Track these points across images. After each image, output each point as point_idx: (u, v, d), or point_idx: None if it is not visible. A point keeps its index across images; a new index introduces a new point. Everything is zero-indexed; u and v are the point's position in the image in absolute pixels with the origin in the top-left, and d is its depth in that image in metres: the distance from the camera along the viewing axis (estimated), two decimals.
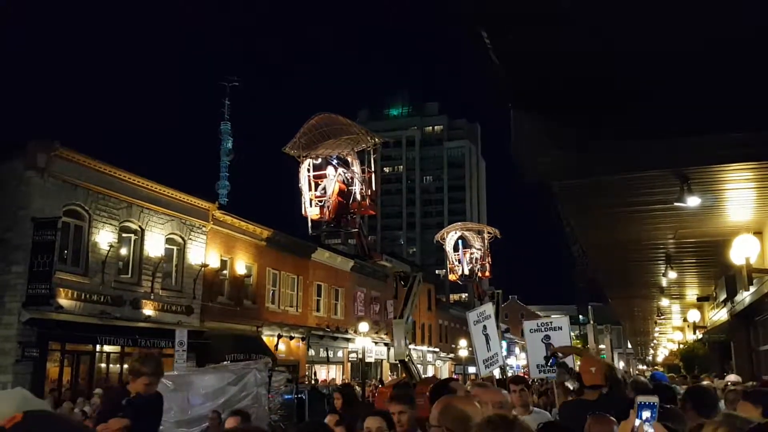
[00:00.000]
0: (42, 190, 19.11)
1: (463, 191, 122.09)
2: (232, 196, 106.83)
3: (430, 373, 43.61)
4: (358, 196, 18.16)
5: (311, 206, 17.93)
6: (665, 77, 5.34)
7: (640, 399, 1.66)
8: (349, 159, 18.49)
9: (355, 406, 6.84)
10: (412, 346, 43.63)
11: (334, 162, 18.46)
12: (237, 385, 10.91)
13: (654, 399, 1.66)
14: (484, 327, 11.20)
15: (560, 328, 9.52)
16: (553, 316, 9.86)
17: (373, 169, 19.12)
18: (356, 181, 18.21)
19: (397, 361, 20.69)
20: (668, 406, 3.56)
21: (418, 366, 42.17)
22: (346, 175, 18.34)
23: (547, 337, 9.42)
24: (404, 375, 19.22)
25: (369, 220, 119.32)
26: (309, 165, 18.34)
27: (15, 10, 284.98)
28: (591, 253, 13.36)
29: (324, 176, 18.47)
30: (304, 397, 15.60)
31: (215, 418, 9.87)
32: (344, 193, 18.19)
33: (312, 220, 18.09)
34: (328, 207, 17.74)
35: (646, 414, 1.62)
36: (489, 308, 12.09)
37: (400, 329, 18.70)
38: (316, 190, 18.34)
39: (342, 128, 18.12)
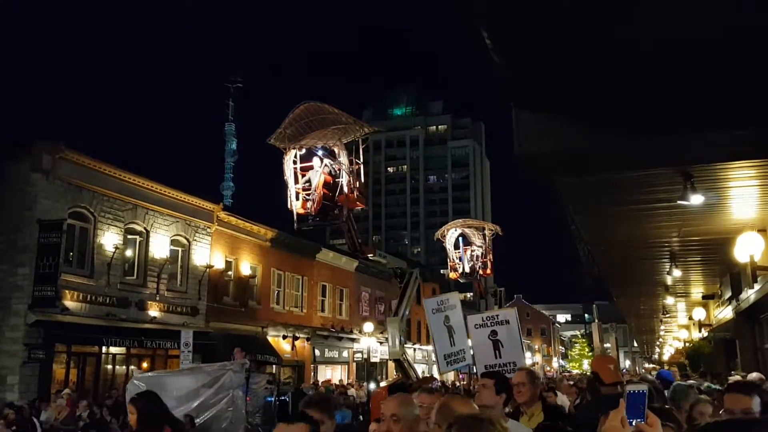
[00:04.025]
0: (47, 192, 19.19)
1: (467, 190, 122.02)
2: (236, 197, 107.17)
3: (435, 373, 43.52)
4: (345, 189, 17.33)
5: (297, 199, 17.18)
6: (668, 74, 5.34)
7: (630, 388, 1.64)
8: (336, 150, 17.67)
9: (153, 422, 5.49)
10: (417, 346, 43.71)
11: (320, 153, 17.63)
12: (212, 387, 10.56)
13: (644, 387, 1.64)
14: (446, 318, 10.27)
15: (507, 322, 8.45)
16: (499, 309, 8.80)
17: (362, 161, 18.36)
18: (343, 173, 17.42)
19: (393, 361, 20.09)
20: (657, 405, 3.55)
21: (421, 366, 42.20)
22: (333, 166, 17.55)
23: (494, 332, 8.40)
24: (400, 375, 18.78)
25: (374, 219, 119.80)
26: (295, 156, 17.57)
27: (16, 9, 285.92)
28: (595, 252, 13.34)
29: (311, 168, 17.66)
30: (287, 399, 14.62)
31: (187, 422, 9.71)
32: (330, 186, 17.42)
33: (298, 214, 17.34)
34: (313, 200, 17.00)
35: (636, 405, 1.61)
36: (454, 297, 11.00)
37: (394, 327, 18.10)
38: (302, 182, 17.54)
39: (330, 118, 17.25)
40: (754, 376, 8.95)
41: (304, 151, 17.71)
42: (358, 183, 17.93)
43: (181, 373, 11.84)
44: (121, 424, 15.11)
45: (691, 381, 8.05)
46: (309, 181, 17.37)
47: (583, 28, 4.81)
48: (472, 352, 9.64)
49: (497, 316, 8.66)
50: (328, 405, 3.38)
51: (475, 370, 9.09)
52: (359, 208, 19.52)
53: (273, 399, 14.28)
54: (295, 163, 17.53)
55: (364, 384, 29.91)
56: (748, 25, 4.65)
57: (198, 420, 9.91)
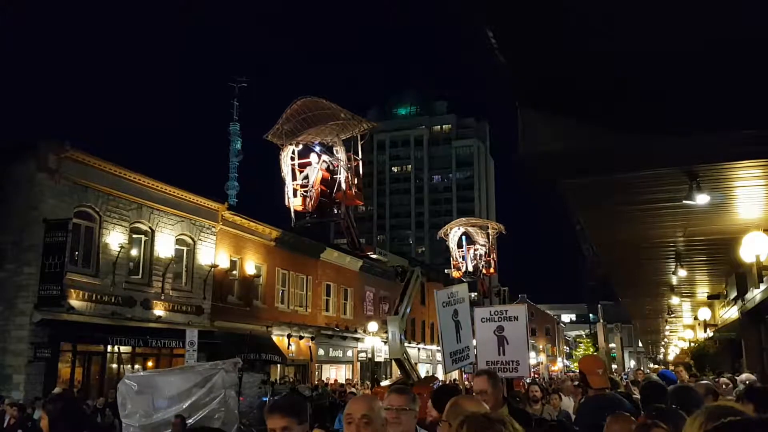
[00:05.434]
0: (53, 192, 19.25)
1: (471, 190, 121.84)
2: (241, 197, 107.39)
3: (439, 373, 43.53)
4: (343, 186, 17.05)
5: (294, 196, 16.91)
6: (673, 74, 5.33)
7: None
8: (334, 146, 17.42)
9: (65, 428, 4.75)
10: (421, 345, 43.69)
11: (317, 149, 17.34)
12: (204, 387, 10.40)
13: None
14: (455, 312, 9.37)
15: (516, 319, 8.02)
16: (508, 305, 8.35)
17: (360, 157, 18.00)
18: (341, 170, 17.13)
19: (393, 360, 19.83)
20: (662, 405, 3.54)
21: (425, 366, 42.18)
22: (331, 162, 17.30)
23: (501, 328, 7.99)
24: (402, 375, 18.60)
25: (378, 219, 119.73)
26: (292, 153, 17.31)
27: (17, 9, 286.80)
28: (601, 252, 13.34)
29: (308, 164, 17.41)
30: None
31: (179, 423, 9.64)
32: (328, 182, 17.13)
33: (295, 211, 17.10)
34: (310, 197, 16.79)
35: None
36: (464, 290, 10.69)
37: (395, 326, 17.83)
38: (301, 178, 17.30)
39: (328, 113, 16.96)
40: (743, 377, 8.92)
41: (301, 147, 17.52)
42: (356, 180, 17.64)
43: (173, 373, 11.69)
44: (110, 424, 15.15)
45: (705, 381, 7.95)
46: (307, 177, 17.20)
47: (584, 28, 4.80)
48: (476, 351, 9.31)
49: (506, 311, 8.23)
50: (294, 409, 2.99)
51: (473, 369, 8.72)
52: (358, 205, 19.32)
53: (268, 399, 14.17)
54: (292, 159, 17.32)
55: (367, 383, 29.89)
56: (752, 26, 4.64)
57: (190, 420, 9.85)
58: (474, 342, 9.34)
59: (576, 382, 12.31)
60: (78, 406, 5.57)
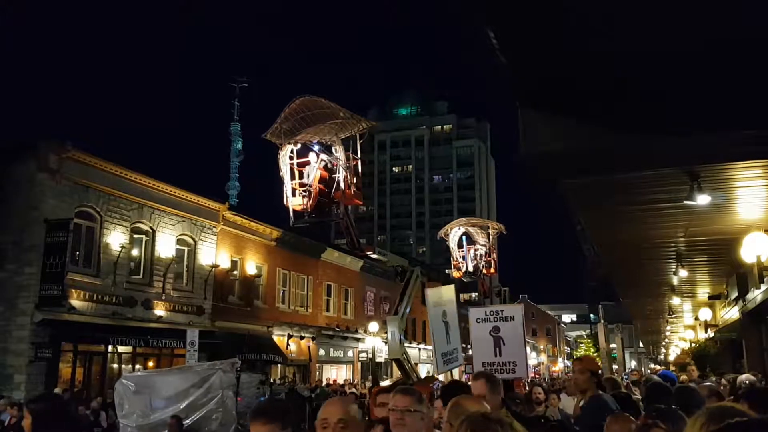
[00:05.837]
0: (54, 192, 19.26)
1: (472, 190, 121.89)
2: (242, 197, 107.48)
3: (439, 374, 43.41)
4: (342, 185, 17.05)
5: (293, 196, 16.90)
6: (673, 74, 5.33)
7: None
8: (333, 145, 17.41)
9: (49, 428, 4.65)
10: (422, 346, 43.67)
11: (316, 148, 17.35)
12: (201, 388, 10.34)
13: None
14: (444, 313, 9.64)
15: (512, 319, 7.87)
16: (504, 305, 8.15)
17: (359, 156, 17.97)
18: (340, 169, 17.15)
19: (393, 360, 19.73)
20: (662, 406, 3.54)
21: (426, 366, 42.11)
22: (330, 161, 17.29)
23: (496, 329, 7.83)
24: (402, 375, 18.55)
25: (378, 219, 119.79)
26: (291, 152, 17.28)
27: (18, 9, 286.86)
28: (602, 252, 13.34)
29: (307, 163, 17.41)
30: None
31: (174, 423, 9.62)
32: (326, 181, 17.15)
33: (294, 211, 17.12)
34: (309, 196, 16.80)
35: None
36: (450, 291, 10.17)
37: (394, 326, 17.80)
38: (300, 178, 17.25)
39: (326, 112, 16.92)
40: (743, 377, 8.90)
41: (299, 146, 17.51)
42: (355, 179, 17.60)
43: (171, 373, 11.67)
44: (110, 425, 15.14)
45: (709, 383, 7.93)
46: (307, 176, 17.21)
47: (584, 28, 4.80)
48: (469, 352, 9.09)
49: (502, 311, 8.05)
50: (277, 414, 2.82)
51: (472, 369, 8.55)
52: (357, 204, 19.28)
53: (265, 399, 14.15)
54: (291, 158, 17.31)
55: (367, 383, 29.88)
56: (752, 26, 4.64)
57: (187, 421, 9.83)
58: (464, 344, 9.11)
59: None
60: (64, 407, 5.49)
